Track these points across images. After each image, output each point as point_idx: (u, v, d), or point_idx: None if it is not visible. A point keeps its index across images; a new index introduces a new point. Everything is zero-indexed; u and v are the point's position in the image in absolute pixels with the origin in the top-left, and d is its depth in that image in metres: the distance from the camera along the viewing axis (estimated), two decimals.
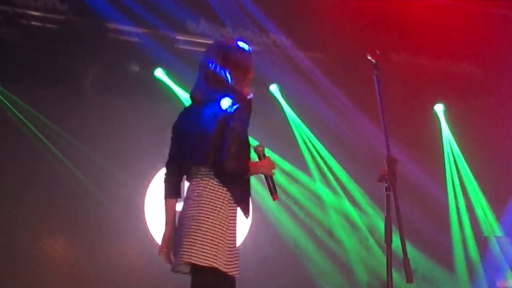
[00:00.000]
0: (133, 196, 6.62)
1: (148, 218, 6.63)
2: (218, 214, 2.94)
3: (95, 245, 6.31)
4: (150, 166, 6.72)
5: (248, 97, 3.05)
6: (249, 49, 3.21)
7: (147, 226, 6.61)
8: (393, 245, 2.79)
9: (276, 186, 3.11)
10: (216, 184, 2.98)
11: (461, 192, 7.19)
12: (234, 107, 2.95)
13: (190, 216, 2.96)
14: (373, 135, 5.79)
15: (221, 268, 2.89)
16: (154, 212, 6.67)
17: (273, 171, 3.12)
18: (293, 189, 6.86)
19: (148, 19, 5.92)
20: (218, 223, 2.93)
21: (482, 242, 6.85)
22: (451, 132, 7.29)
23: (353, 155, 6.86)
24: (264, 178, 3.12)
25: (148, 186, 6.70)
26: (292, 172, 6.88)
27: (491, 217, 6.99)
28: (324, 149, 7.11)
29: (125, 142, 6.52)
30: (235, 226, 3.01)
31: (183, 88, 6.70)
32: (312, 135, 7.09)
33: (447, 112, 7.28)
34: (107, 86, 6.44)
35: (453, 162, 7.26)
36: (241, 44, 3.22)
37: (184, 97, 6.74)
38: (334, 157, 7.11)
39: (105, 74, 6.38)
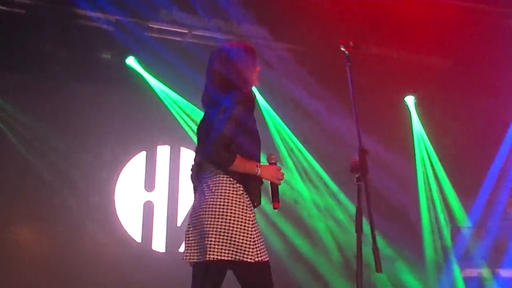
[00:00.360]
0: (104, 185, 6.57)
1: (118, 206, 6.59)
2: (238, 207, 2.99)
3: (65, 234, 6.25)
4: (121, 154, 6.69)
5: (247, 95, 3.12)
6: (251, 50, 3.29)
7: (117, 214, 6.56)
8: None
9: (278, 196, 3.13)
10: (226, 178, 3.04)
11: (431, 183, 7.29)
12: (230, 104, 3.03)
13: (207, 212, 3.00)
14: (346, 125, 5.83)
15: (249, 260, 2.92)
16: (125, 200, 6.64)
17: (279, 180, 3.15)
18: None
19: (120, 6, 5.84)
20: (239, 216, 2.97)
21: (451, 232, 6.96)
22: (421, 124, 7.39)
23: (326, 146, 6.90)
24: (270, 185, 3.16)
25: (119, 174, 6.66)
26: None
27: (460, 208, 7.12)
28: (297, 139, 7.14)
29: (96, 130, 6.46)
30: (254, 214, 3.05)
31: (154, 77, 6.65)
32: (285, 126, 7.11)
33: (417, 104, 7.38)
34: (78, 73, 6.35)
35: (425, 153, 7.37)
36: (243, 46, 3.31)
37: (156, 85, 6.70)
38: (307, 148, 7.15)
39: (75, 61, 6.29)
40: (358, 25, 6.01)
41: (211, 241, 2.93)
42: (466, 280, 6.35)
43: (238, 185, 3.02)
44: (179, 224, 6.76)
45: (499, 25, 6.40)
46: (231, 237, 2.92)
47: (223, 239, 2.92)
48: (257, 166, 3.06)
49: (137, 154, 6.79)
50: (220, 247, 2.92)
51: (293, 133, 7.13)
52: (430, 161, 7.36)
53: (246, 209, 2.99)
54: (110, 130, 6.51)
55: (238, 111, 3.01)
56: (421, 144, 7.40)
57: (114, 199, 6.59)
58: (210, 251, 2.92)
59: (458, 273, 6.45)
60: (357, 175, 2.95)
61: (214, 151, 2.95)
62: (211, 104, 3.19)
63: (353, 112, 3.08)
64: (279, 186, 3.15)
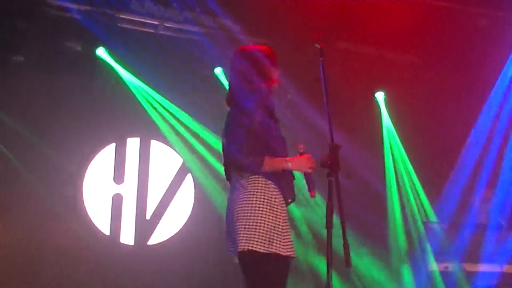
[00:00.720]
0: (73, 176, 6.48)
1: (86, 198, 6.52)
2: (267, 204, 3.06)
3: (32, 226, 6.14)
4: (90, 146, 6.61)
5: (254, 98, 3.15)
6: (262, 52, 3.32)
7: (85, 206, 6.49)
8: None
9: (314, 184, 3.19)
10: (257, 176, 3.10)
11: (399, 179, 7.37)
12: (240, 106, 3.13)
13: (240, 208, 3.08)
14: (317, 121, 5.85)
15: (279, 252, 3.00)
16: (93, 192, 6.57)
17: (311, 169, 3.20)
18: None
19: None
20: (268, 212, 3.04)
21: (418, 227, 7.06)
22: (391, 120, 7.47)
23: (296, 141, 6.90)
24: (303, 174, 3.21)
25: (88, 166, 6.58)
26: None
27: (427, 203, 7.22)
28: None
29: (65, 122, 6.35)
30: (284, 210, 3.12)
31: (125, 68, 6.58)
32: None
33: (387, 100, 7.45)
34: (46, 64, 6.24)
35: (394, 148, 7.45)
36: (257, 49, 3.34)
37: (126, 77, 6.63)
38: None
39: (44, 51, 6.17)
40: (329, 20, 6.03)
41: (243, 234, 3.00)
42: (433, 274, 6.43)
43: (269, 182, 3.10)
44: (148, 217, 6.71)
45: (468, 24, 6.50)
46: (261, 230, 2.99)
47: (253, 232, 2.99)
48: (286, 161, 3.13)
49: (106, 146, 6.71)
50: (250, 239, 2.98)
51: None
52: (400, 157, 7.44)
53: (277, 206, 3.07)
54: (79, 122, 6.42)
55: (250, 114, 3.08)
56: (391, 140, 7.48)
57: (82, 191, 6.51)
58: (242, 242, 2.99)
59: (432, 267, 6.51)
60: (328, 171, 2.98)
61: (242, 163, 3.06)
62: (230, 107, 3.26)
63: (325, 107, 3.10)
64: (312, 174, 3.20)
